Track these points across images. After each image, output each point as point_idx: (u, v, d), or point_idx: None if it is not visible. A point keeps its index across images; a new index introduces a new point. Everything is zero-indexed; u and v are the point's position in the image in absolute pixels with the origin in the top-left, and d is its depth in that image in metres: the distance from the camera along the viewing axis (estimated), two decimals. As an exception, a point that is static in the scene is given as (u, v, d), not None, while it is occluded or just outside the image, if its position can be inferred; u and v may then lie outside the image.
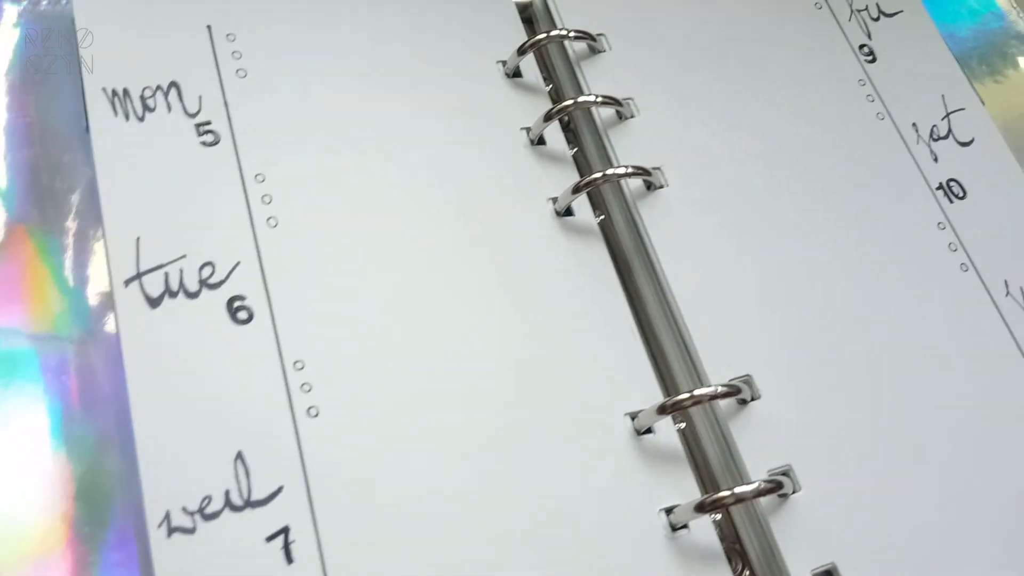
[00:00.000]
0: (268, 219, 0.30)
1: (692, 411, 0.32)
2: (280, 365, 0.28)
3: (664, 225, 0.34)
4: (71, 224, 0.31)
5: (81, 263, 0.31)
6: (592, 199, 0.36)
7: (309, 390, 0.28)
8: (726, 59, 0.38)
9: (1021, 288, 0.35)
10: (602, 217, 0.36)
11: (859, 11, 0.41)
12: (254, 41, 0.33)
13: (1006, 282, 0.35)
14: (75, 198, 0.31)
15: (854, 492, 0.30)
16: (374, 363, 0.29)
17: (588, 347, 0.32)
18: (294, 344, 0.28)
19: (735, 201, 0.35)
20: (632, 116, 0.36)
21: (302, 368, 0.28)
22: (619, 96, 0.36)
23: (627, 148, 0.36)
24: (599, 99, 0.35)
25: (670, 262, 0.33)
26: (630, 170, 0.34)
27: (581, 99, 0.35)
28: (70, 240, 0.31)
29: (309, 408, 0.28)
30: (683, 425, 0.32)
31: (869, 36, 0.40)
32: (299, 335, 0.28)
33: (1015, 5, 0.45)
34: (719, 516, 0.31)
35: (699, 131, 0.36)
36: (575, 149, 0.37)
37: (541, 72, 0.38)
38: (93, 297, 0.30)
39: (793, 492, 0.30)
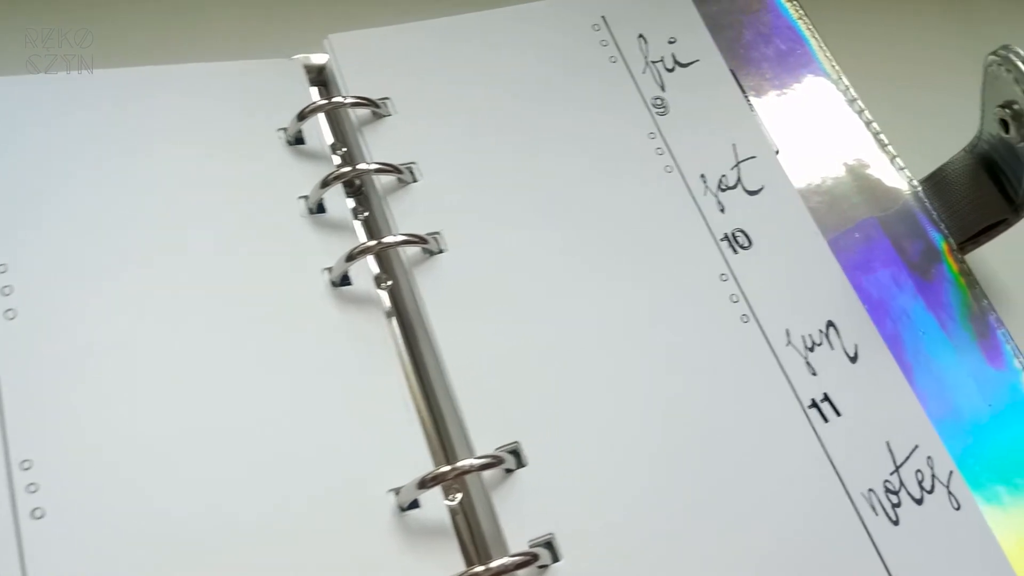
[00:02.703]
0: (6, 311, 0.29)
1: (468, 482, 0.32)
2: (5, 465, 0.27)
3: (440, 291, 0.34)
4: None
5: None
6: (383, 265, 0.36)
7: (35, 490, 0.27)
8: (516, 119, 0.38)
9: (803, 336, 0.35)
10: (390, 283, 0.36)
11: (654, 63, 0.41)
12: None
13: (787, 331, 0.35)
14: None
15: (622, 561, 0.30)
16: (113, 458, 0.28)
17: (357, 421, 0.31)
18: (23, 443, 0.27)
19: (514, 264, 0.35)
20: (414, 181, 0.36)
21: (29, 468, 0.27)
22: (403, 160, 0.36)
23: (408, 213, 0.35)
24: (374, 166, 0.35)
25: (445, 329, 0.33)
26: (401, 238, 0.34)
27: (359, 166, 0.35)
28: None
29: (34, 510, 0.27)
30: (460, 496, 0.32)
31: (663, 88, 0.40)
32: (30, 433, 0.28)
33: (823, 46, 0.45)
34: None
35: (483, 193, 0.36)
36: (366, 214, 0.37)
37: (336, 137, 0.38)
38: None
39: (554, 562, 0.30)
